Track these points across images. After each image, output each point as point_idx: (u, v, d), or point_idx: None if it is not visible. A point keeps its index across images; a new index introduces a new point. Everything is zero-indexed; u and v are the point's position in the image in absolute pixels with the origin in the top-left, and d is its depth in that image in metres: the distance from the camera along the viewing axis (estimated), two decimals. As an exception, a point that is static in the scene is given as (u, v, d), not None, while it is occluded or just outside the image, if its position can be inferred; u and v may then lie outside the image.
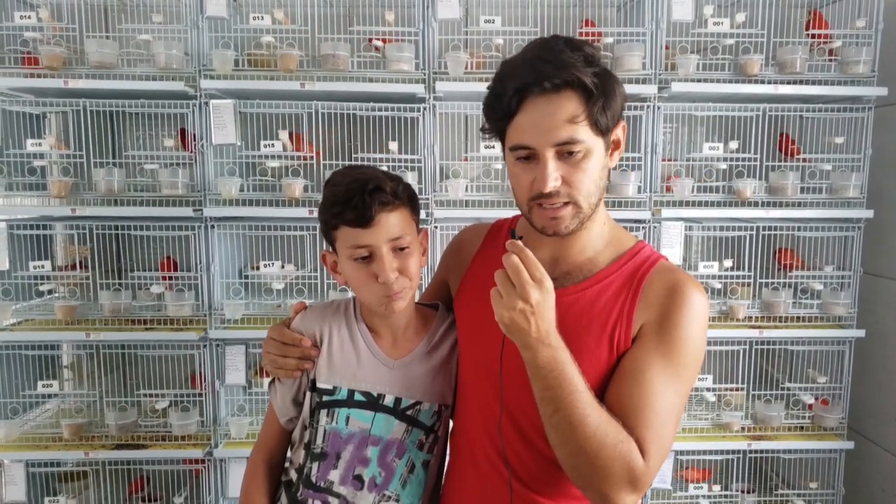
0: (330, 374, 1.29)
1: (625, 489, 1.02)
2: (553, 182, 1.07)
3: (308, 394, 1.30)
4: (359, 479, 1.27)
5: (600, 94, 1.05)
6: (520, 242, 1.01)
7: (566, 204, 1.09)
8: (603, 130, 1.08)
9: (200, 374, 2.60)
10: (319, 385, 1.29)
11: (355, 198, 1.18)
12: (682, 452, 2.70)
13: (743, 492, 2.79)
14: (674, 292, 1.12)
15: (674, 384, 1.08)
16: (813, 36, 2.62)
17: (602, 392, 1.11)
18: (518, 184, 1.12)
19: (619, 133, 1.14)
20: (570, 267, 1.19)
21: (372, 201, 1.18)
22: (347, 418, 1.28)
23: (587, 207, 1.11)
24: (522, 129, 1.08)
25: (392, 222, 1.21)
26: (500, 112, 1.09)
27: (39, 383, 2.62)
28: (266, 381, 1.37)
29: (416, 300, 1.39)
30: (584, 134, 1.06)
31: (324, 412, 1.28)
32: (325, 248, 1.33)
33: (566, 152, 1.07)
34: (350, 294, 1.38)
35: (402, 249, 1.23)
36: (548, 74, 1.04)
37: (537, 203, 1.10)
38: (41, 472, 2.66)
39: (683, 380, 1.10)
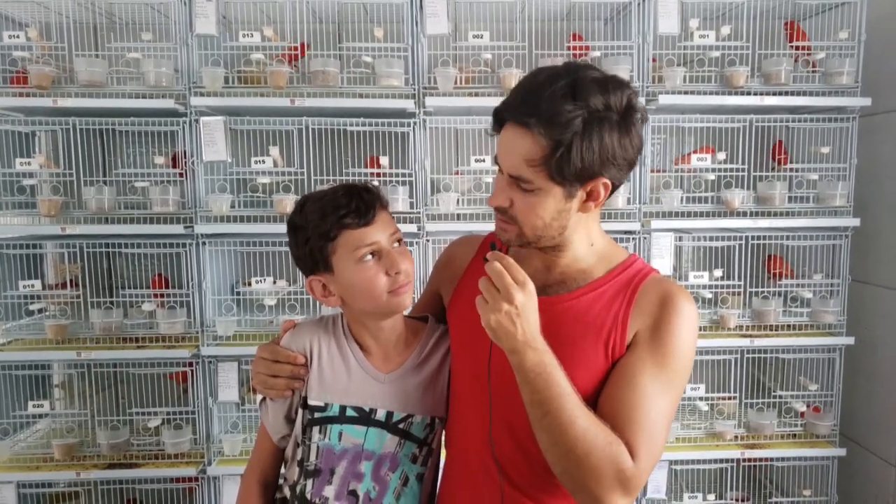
0: (321, 390, 1.29)
1: (616, 491, 1.03)
2: (498, 201, 1.13)
3: (300, 411, 1.30)
4: (353, 494, 1.27)
5: (564, 148, 1.04)
6: (499, 251, 1.07)
7: (512, 224, 1.14)
8: (561, 181, 1.07)
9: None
10: (311, 402, 1.29)
11: (354, 200, 1.21)
12: (676, 462, 2.71)
13: (737, 500, 2.80)
14: (666, 302, 1.14)
15: (665, 390, 1.10)
16: (796, 48, 2.66)
17: (597, 398, 1.13)
18: None
19: (598, 187, 1.10)
20: (563, 276, 1.21)
21: (372, 199, 1.23)
22: (340, 434, 1.28)
23: (531, 235, 1.14)
24: (498, 146, 1.14)
25: (388, 219, 1.27)
26: (493, 120, 1.15)
27: (30, 403, 2.59)
28: (258, 398, 1.37)
29: (407, 313, 1.40)
30: (538, 177, 1.08)
31: (316, 429, 1.28)
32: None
33: (519, 184, 1.10)
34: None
35: (399, 243, 1.27)
36: (517, 110, 1.08)
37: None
38: (32, 494, 2.64)
39: (674, 386, 1.12)
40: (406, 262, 1.25)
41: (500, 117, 1.12)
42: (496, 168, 1.16)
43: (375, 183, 2.51)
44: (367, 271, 1.22)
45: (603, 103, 1.05)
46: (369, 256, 1.22)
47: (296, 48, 2.58)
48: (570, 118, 1.03)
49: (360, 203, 1.21)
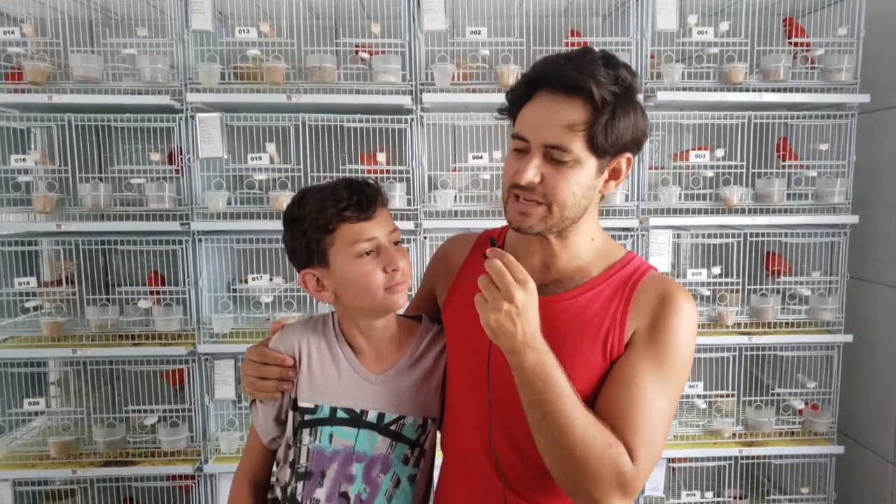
0: (311, 392, 1.27)
1: (615, 493, 1.02)
2: (530, 176, 1.08)
3: (290, 413, 1.28)
4: (345, 496, 1.26)
5: (608, 114, 1.05)
6: (499, 249, 1.04)
7: (539, 204, 1.10)
8: (599, 151, 1.07)
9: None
10: (301, 404, 1.27)
11: (356, 193, 1.20)
12: (674, 460, 2.70)
13: (735, 498, 2.79)
14: (665, 300, 1.13)
15: (664, 390, 1.09)
16: (795, 44, 2.65)
17: (595, 398, 1.12)
18: (506, 171, 1.15)
19: (622, 163, 1.12)
20: (560, 275, 1.19)
21: (374, 193, 1.22)
22: (331, 436, 1.26)
23: (558, 216, 1.11)
24: (524, 120, 1.11)
25: (388, 216, 1.26)
26: (514, 97, 1.13)
27: (26, 401, 2.58)
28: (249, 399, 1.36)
29: (402, 312, 1.38)
30: (577, 146, 1.06)
31: (307, 431, 1.27)
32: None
33: (554, 156, 1.07)
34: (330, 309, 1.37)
35: (396, 244, 1.26)
36: (564, 74, 1.06)
37: (514, 194, 1.12)
38: (28, 491, 2.63)
39: (673, 386, 1.11)
40: (403, 260, 1.23)
41: (533, 87, 1.10)
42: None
43: (372, 179, 2.52)
44: (363, 266, 1.21)
45: (630, 79, 1.08)
46: (367, 251, 1.21)
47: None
48: (612, 82, 1.05)
49: (362, 197, 1.20)
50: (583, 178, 1.09)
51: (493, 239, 1.14)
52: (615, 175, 1.13)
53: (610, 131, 1.05)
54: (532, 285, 1.02)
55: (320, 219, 1.20)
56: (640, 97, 2.47)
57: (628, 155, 1.12)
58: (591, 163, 1.08)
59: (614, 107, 1.05)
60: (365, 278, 1.21)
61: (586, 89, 1.04)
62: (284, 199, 2.52)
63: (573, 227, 1.15)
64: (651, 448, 1.05)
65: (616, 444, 1.02)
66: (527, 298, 1.00)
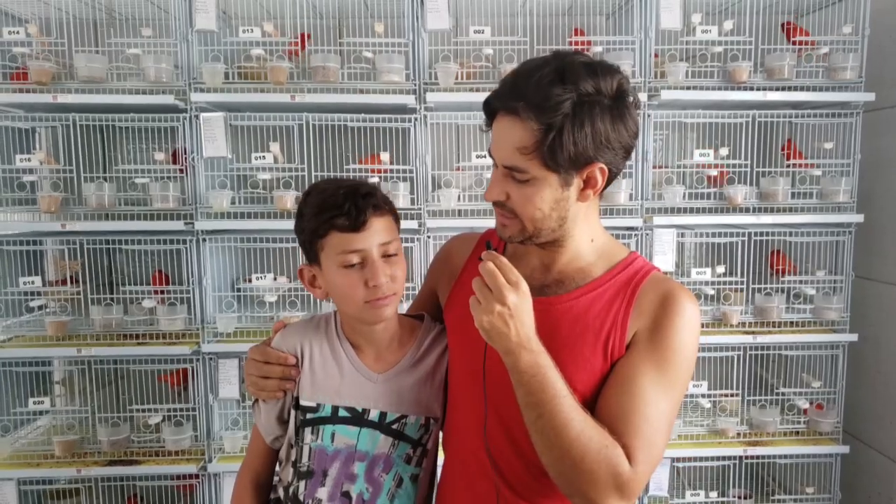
0: (313, 391, 1.27)
1: (611, 495, 1.01)
2: (495, 195, 1.12)
3: (292, 412, 1.28)
4: (346, 495, 1.26)
5: (555, 133, 1.02)
6: (494, 251, 1.05)
7: (513, 217, 1.12)
8: (555, 168, 1.05)
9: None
10: (303, 403, 1.27)
11: (348, 202, 1.18)
12: (678, 459, 2.70)
13: (740, 497, 2.79)
14: (667, 302, 1.12)
15: (665, 392, 1.08)
16: (798, 43, 2.64)
17: (596, 399, 1.11)
18: None
19: (594, 172, 1.08)
20: (561, 276, 1.19)
21: (366, 205, 1.19)
22: (333, 435, 1.26)
23: (532, 228, 1.12)
24: (492, 138, 1.13)
25: (382, 227, 1.22)
26: (485, 113, 1.14)
27: (31, 400, 2.59)
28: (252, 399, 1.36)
29: (404, 311, 1.38)
30: (532, 166, 1.06)
31: (308, 430, 1.26)
32: (301, 262, 1.31)
33: (515, 176, 1.09)
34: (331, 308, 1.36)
35: (390, 256, 1.22)
36: (505, 98, 1.07)
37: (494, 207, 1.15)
38: (33, 490, 2.64)
39: (675, 388, 1.10)
40: (386, 275, 1.20)
41: (490, 108, 1.11)
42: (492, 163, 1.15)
43: (376, 179, 2.53)
44: (347, 277, 1.20)
45: (593, 87, 1.03)
46: (353, 262, 1.19)
47: (296, 42, 2.57)
48: (558, 101, 1.01)
49: (353, 207, 1.17)
50: (546, 194, 1.08)
51: (488, 241, 1.14)
52: (591, 185, 1.10)
53: (560, 150, 1.03)
54: (524, 287, 1.02)
55: (313, 222, 1.20)
56: (644, 96, 2.51)
57: (600, 165, 1.07)
58: (551, 179, 1.07)
59: (562, 125, 1.02)
60: (347, 289, 1.20)
61: (526, 114, 1.03)
62: (288, 198, 2.53)
63: (564, 232, 1.15)
64: (651, 451, 1.04)
65: (613, 445, 1.01)
66: (519, 300, 1.01)
